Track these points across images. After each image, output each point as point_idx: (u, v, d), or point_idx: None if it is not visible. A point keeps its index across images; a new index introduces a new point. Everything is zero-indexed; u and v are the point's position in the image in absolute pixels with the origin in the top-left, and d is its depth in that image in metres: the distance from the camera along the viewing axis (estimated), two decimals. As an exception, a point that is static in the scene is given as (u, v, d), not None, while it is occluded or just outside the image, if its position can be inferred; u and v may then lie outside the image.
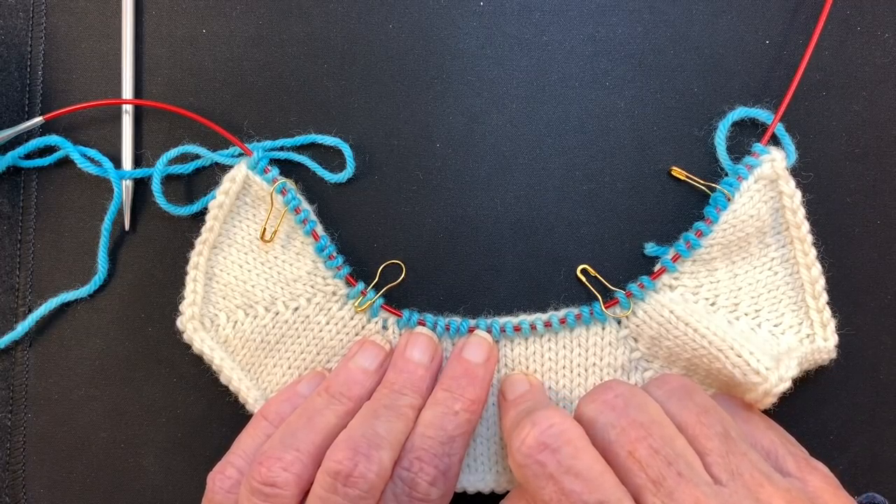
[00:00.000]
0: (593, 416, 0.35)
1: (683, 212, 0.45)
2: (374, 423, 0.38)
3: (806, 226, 0.43)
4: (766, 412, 0.41)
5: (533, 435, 0.34)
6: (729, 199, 0.43)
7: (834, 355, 0.42)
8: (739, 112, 0.44)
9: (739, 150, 0.45)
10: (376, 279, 0.45)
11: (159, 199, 0.45)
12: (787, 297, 0.43)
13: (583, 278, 0.45)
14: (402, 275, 0.45)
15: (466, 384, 0.41)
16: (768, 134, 0.44)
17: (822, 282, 0.43)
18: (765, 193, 0.43)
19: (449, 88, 0.46)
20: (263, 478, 0.36)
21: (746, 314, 0.43)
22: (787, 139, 0.44)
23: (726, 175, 0.44)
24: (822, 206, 0.44)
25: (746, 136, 0.45)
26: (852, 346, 0.44)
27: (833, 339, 0.42)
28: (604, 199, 0.45)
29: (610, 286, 0.44)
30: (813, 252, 0.43)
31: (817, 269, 0.43)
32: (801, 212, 0.43)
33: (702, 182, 0.44)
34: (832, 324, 0.42)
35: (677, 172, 0.45)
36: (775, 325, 0.43)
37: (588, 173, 0.45)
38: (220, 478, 0.39)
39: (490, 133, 0.46)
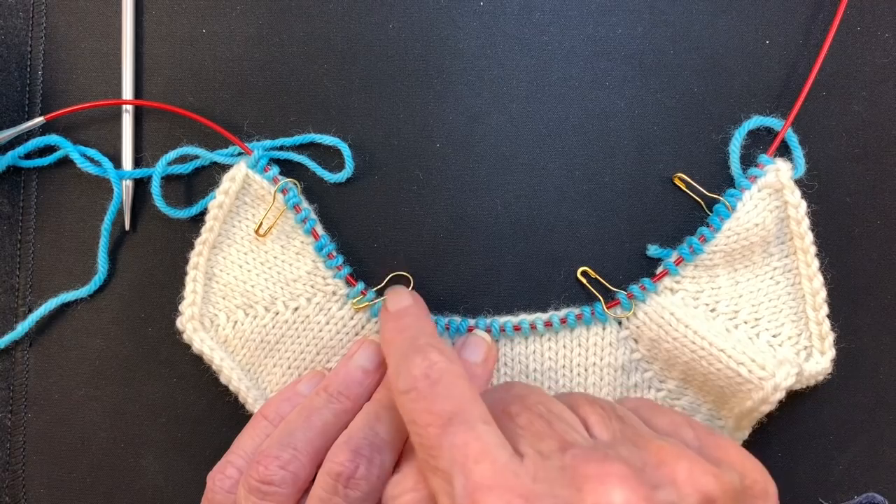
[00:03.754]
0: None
1: (684, 213, 0.45)
2: (375, 424, 0.38)
3: (810, 236, 0.43)
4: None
5: (422, 366, 0.34)
6: (731, 210, 0.43)
7: (829, 371, 0.42)
8: (755, 121, 0.44)
9: (745, 150, 0.45)
10: (382, 284, 0.45)
11: (158, 202, 0.45)
12: (788, 307, 0.43)
13: (583, 280, 0.45)
14: (411, 286, 0.45)
15: None
16: (775, 144, 0.44)
17: (823, 293, 0.43)
18: (770, 203, 0.43)
19: (449, 88, 0.46)
20: (261, 476, 0.36)
21: (746, 322, 0.43)
22: (798, 150, 0.44)
23: (730, 177, 0.44)
24: (823, 206, 0.44)
25: (754, 141, 0.45)
26: (853, 346, 0.44)
27: (830, 353, 0.42)
28: (604, 199, 0.45)
29: (611, 287, 0.44)
30: (816, 263, 0.43)
31: (819, 280, 0.43)
32: (806, 222, 0.43)
33: (705, 193, 0.44)
34: (831, 337, 0.42)
35: (679, 181, 0.45)
36: (774, 336, 0.43)
37: (588, 173, 0.45)
38: (220, 477, 0.39)
39: (490, 133, 0.46)
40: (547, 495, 0.29)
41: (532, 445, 0.31)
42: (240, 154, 0.45)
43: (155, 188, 0.45)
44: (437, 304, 0.45)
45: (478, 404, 0.33)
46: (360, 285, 0.44)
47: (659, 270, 0.44)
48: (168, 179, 0.46)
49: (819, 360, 0.42)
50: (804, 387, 0.43)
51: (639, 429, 0.33)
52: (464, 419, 0.32)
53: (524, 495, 0.29)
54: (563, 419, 0.33)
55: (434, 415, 0.32)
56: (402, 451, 0.38)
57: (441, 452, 0.31)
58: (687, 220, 0.45)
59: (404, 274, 0.45)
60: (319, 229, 0.45)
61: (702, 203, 0.44)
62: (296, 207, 0.44)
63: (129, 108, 0.46)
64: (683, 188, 0.45)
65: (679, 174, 0.44)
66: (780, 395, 0.40)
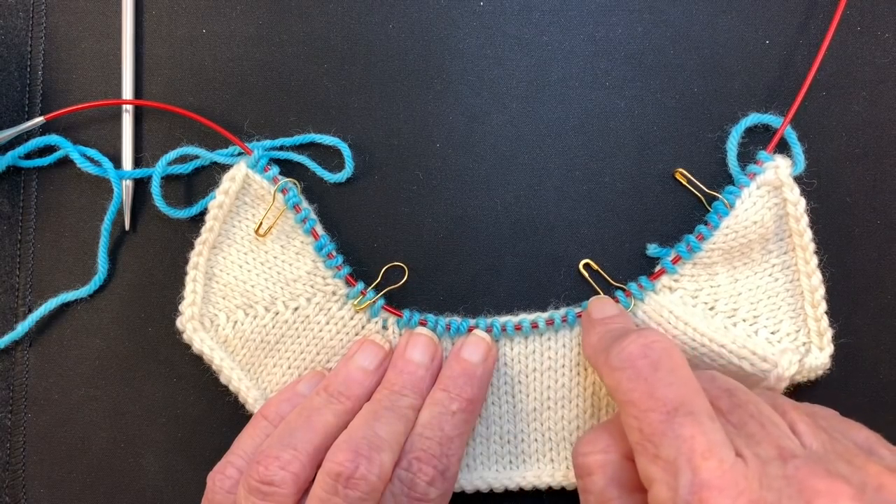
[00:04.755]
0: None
1: (683, 212, 0.45)
2: (374, 424, 0.38)
3: (809, 234, 0.43)
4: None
5: (638, 343, 0.34)
6: (729, 208, 0.43)
7: (828, 367, 0.42)
8: (753, 118, 0.44)
9: (745, 148, 0.45)
10: (378, 280, 0.45)
11: (159, 202, 0.45)
12: (787, 304, 0.43)
13: (585, 273, 0.45)
14: (405, 277, 0.45)
15: (464, 384, 0.41)
16: (775, 140, 0.44)
17: (821, 290, 0.43)
18: (769, 200, 0.43)
19: (449, 88, 0.46)
20: (261, 476, 0.36)
21: (744, 320, 0.43)
22: (797, 147, 0.44)
23: (731, 176, 0.44)
24: (823, 206, 0.44)
25: (753, 140, 0.45)
26: (852, 346, 0.44)
27: (829, 349, 0.42)
28: (604, 199, 0.45)
29: (612, 281, 0.44)
30: (814, 260, 0.43)
31: (818, 277, 0.43)
32: (805, 219, 0.43)
33: (705, 190, 0.44)
34: (829, 333, 0.42)
35: (680, 176, 0.45)
36: (772, 333, 0.43)
37: (588, 173, 0.45)
38: (220, 478, 0.39)
39: (490, 133, 0.46)
40: None
41: (749, 447, 0.31)
42: (240, 154, 0.45)
43: (155, 188, 0.45)
44: (438, 303, 0.45)
45: (701, 396, 0.33)
46: (360, 285, 0.44)
47: (657, 269, 0.44)
48: (168, 179, 0.46)
49: (818, 356, 0.42)
50: (805, 380, 0.43)
51: (846, 444, 0.33)
52: (690, 411, 0.32)
53: (754, 501, 0.29)
54: (774, 422, 0.33)
55: (657, 400, 0.32)
56: (402, 450, 0.38)
57: (664, 441, 0.31)
58: (687, 220, 0.45)
59: (400, 265, 0.45)
60: (319, 229, 0.45)
61: (702, 199, 0.44)
62: (296, 207, 0.44)
63: (129, 108, 0.46)
64: (684, 182, 0.45)
65: (680, 169, 0.45)
66: (785, 384, 0.40)
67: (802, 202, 0.43)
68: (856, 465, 0.31)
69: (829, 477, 0.29)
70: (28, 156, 0.46)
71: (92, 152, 0.45)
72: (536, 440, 0.44)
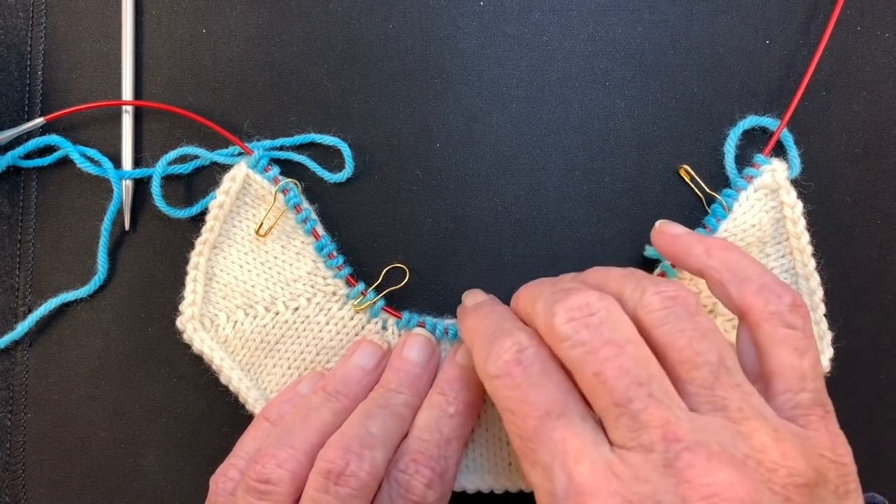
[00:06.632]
0: (564, 332, 0.33)
1: (683, 213, 0.45)
2: (367, 422, 0.38)
3: (806, 236, 0.43)
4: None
5: (512, 350, 0.34)
6: (727, 211, 0.43)
7: (828, 370, 0.42)
8: (750, 121, 0.44)
9: (743, 150, 0.45)
10: (379, 281, 0.45)
11: (159, 202, 0.45)
12: None
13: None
14: (406, 279, 0.45)
15: (461, 387, 0.40)
16: (771, 144, 0.44)
17: (820, 293, 0.43)
18: (766, 203, 0.43)
19: (449, 88, 0.46)
20: (258, 475, 0.36)
21: None
22: (793, 150, 0.44)
23: (728, 179, 0.44)
24: (823, 206, 0.44)
25: (752, 141, 0.45)
26: (852, 346, 0.44)
27: (829, 352, 0.42)
28: (604, 199, 0.45)
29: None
30: (812, 263, 0.43)
31: (816, 280, 0.43)
32: (802, 222, 0.43)
33: (705, 189, 0.44)
34: (828, 336, 0.42)
35: (684, 173, 0.45)
36: None
37: (588, 173, 0.45)
38: (223, 480, 0.39)
39: (490, 133, 0.46)
40: (649, 499, 0.29)
41: (632, 433, 0.30)
42: (240, 154, 0.45)
43: (155, 188, 0.45)
44: (437, 304, 0.45)
45: (573, 395, 0.32)
46: (361, 285, 0.44)
47: (657, 272, 0.44)
48: (168, 179, 0.46)
49: None
50: None
51: (744, 399, 0.31)
52: (561, 412, 0.32)
53: (627, 500, 0.29)
54: (655, 378, 0.31)
55: (530, 405, 0.32)
56: (397, 450, 0.38)
57: (539, 447, 0.31)
58: (687, 221, 0.44)
59: (401, 266, 0.45)
60: (320, 229, 0.45)
61: (702, 198, 0.44)
62: (296, 207, 0.44)
63: (129, 108, 0.46)
64: (687, 180, 0.45)
65: (684, 166, 0.44)
66: None
67: (799, 205, 0.43)
68: (734, 421, 0.30)
69: (708, 463, 0.29)
70: (28, 156, 0.46)
71: (92, 152, 0.46)
72: (536, 440, 0.44)
